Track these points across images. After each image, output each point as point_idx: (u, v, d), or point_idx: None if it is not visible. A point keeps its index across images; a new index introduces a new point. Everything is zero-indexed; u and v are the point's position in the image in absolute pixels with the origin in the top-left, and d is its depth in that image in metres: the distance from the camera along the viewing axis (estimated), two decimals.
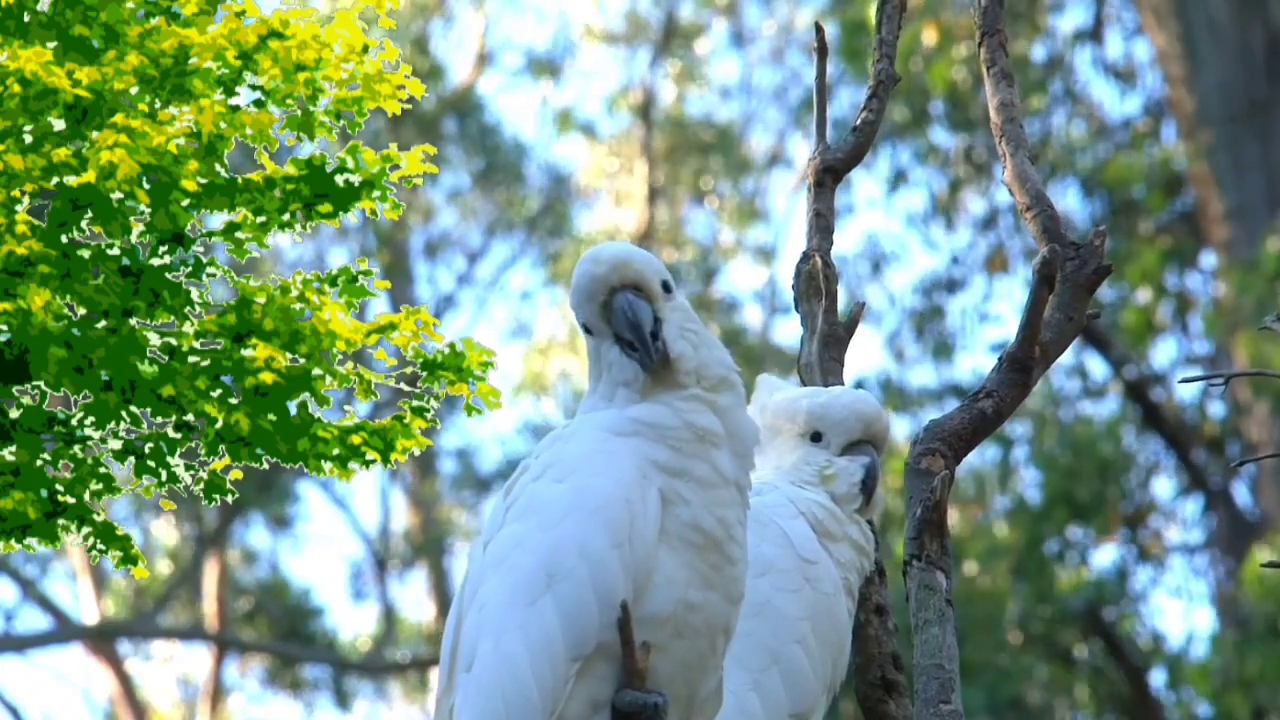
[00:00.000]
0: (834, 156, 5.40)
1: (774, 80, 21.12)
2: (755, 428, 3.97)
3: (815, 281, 5.21)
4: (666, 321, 3.88)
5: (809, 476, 4.43)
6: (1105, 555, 16.61)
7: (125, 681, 21.01)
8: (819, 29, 5.65)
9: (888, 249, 17.90)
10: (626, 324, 3.87)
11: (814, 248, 5.31)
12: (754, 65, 21.35)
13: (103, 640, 20.98)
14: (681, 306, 3.93)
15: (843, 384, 5.14)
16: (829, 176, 5.39)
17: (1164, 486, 17.05)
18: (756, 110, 21.35)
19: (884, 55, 5.47)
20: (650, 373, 3.86)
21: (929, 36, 16.85)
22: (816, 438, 4.46)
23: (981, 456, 16.04)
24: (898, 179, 17.21)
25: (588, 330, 3.95)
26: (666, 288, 3.91)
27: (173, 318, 4.90)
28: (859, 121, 5.45)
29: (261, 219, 4.98)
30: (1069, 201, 17.13)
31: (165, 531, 21.47)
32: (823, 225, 5.36)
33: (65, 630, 21.03)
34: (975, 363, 17.86)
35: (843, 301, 5.30)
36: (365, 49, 5.01)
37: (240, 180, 4.95)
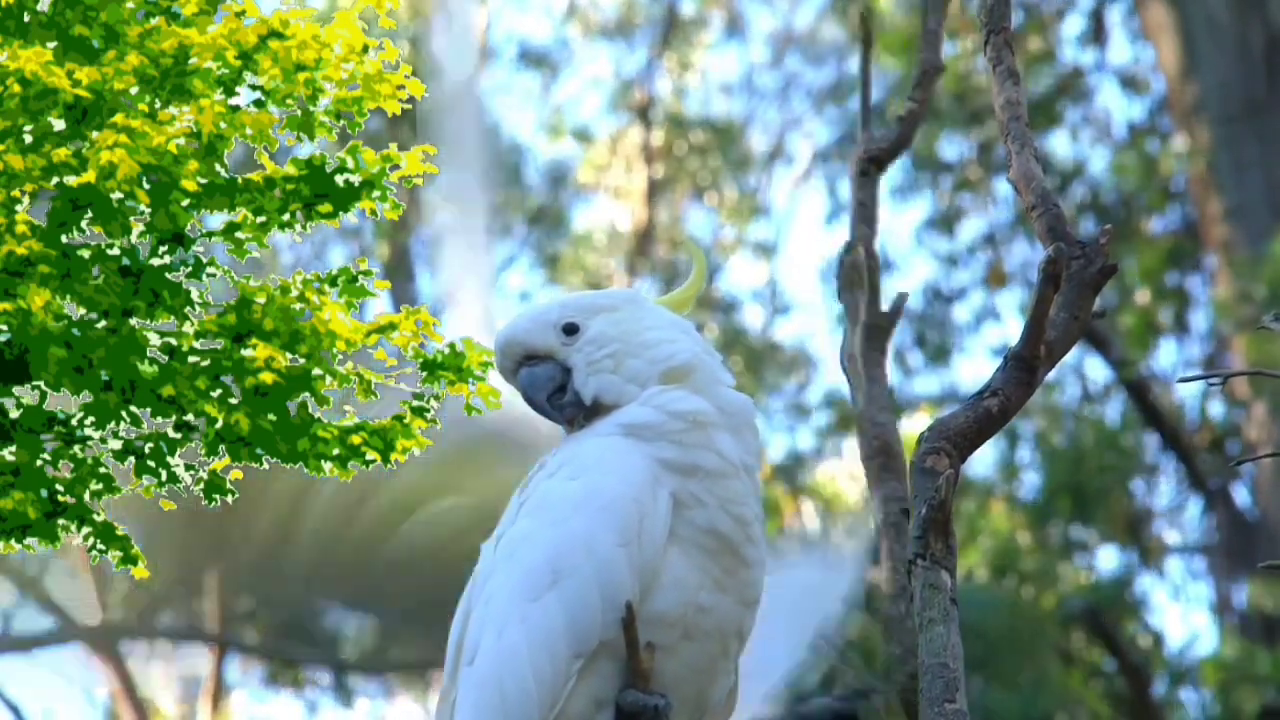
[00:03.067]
0: (877, 146, 5.39)
1: (775, 75, 21.12)
2: (746, 401, 4.00)
3: (859, 272, 5.21)
4: (575, 368, 4.00)
5: None
6: (1107, 557, 16.63)
7: (126, 679, 21.01)
8: (864, 19, 5.64)
9: (890, 256, 17.94)
10: (529, 404, 4.04)
11: (858, 237, 5.30)
12: (755, 60, 21.34)
13: (104, 639, 20.97)
14: (593, 338, 4.01)
15: (886, 375, 5.15)
16: (872, 166, 5.38)
17: (1165, 488, 17.06)
18: (758, 106, 21.35)
19: (929, 45, 5.46)
20: (576, 425, 4.00)
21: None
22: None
23: (985, 461, 16.08)
24: (907, 187, 17.24)
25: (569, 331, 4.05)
26: (569, 329, 4.02)
27: (173, 318, 4.90)
28: (903, 111, 5.44)
29: (261, 219, 4.98)
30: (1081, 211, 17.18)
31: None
32: (866, 215, 5.36)
33: (66, 629, 21.02)
34: (975, 370, 17.88)
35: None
36: (365, 49, 5.01)
37: (240, 180, 4.95)
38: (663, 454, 3.88)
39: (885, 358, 5.10)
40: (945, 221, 17.32)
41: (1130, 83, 17.99)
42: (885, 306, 5.32)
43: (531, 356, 4.02)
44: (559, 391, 3.99)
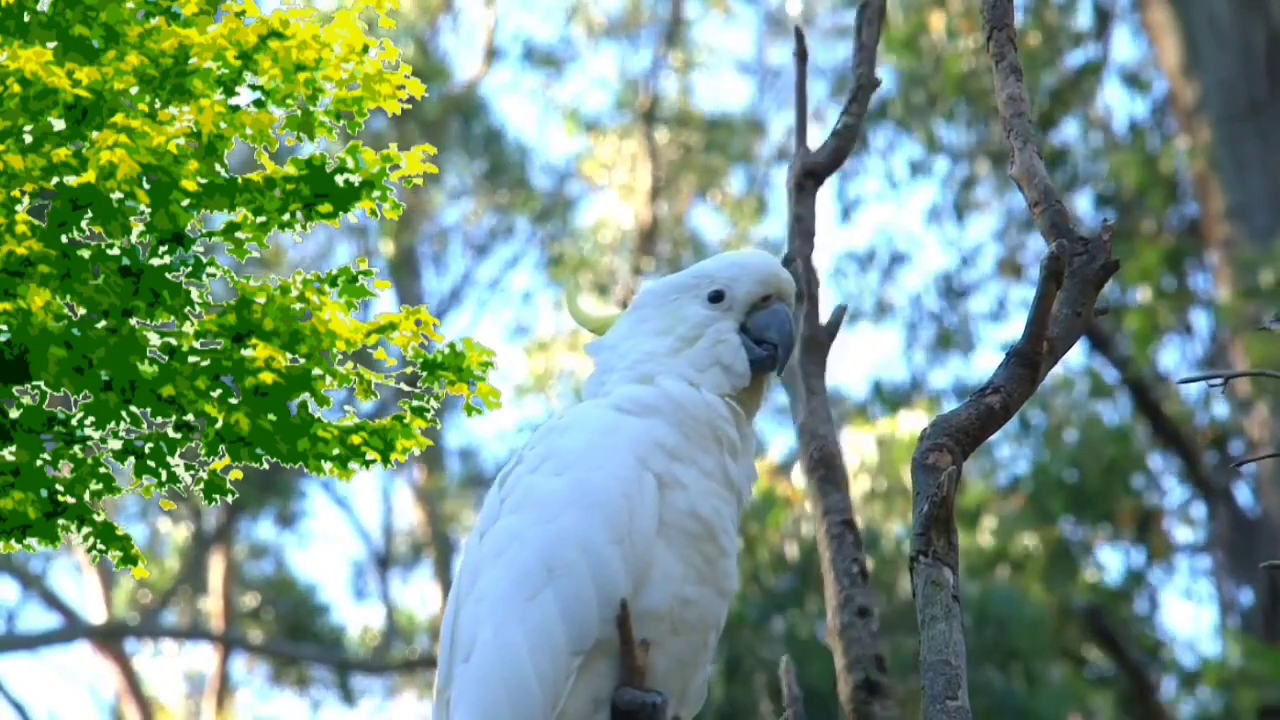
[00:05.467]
0: (814, 160, 5.41)
1: (784, 69, 21.09)
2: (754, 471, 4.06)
3: (797, 286, 5.23)
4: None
5: None
6: (1111, 557, 16.62)
7: (131, 678, 21.04)
8: (799, 35, 5.65)
9: (900, 247, 17.95)
10: (786, 335, 4.06)
11: (795, 251, 5.32)
12: (764, 53, 21.32)
13: (109, 638, 21.00)
14: None
15: (825, 387, 5.16)
16: (809, 180, 5.39)
17: (1169, 487, 17.05)
18: (764, 101, 21.34)
19: (863, 60, 5.47)
20: (763, 377, 4.06)
21: (936, 24, 16.89)
22: None
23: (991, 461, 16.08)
24: (915, 169, 17.26)
25: (715, 299, 4.05)
26: None
27: (173, 318, 4.90)
28: (839, 125, 5.45)
29: (261, 219, 4.98)
30: (1083, 206, 17.20)
31: (174, 529, 21.50)
32: (804, 229, 5.37)
33: (72, 628, 21.05)
34: (987, 363, 17.90)
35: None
36: (365, 49, 5.00)
37: (240, 180, 4.95)
38: (666, 439, 3.90)
39: (824, 370, 5.11)
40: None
41: (1133, 80, 18.00)
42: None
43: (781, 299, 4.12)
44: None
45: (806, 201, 5.32)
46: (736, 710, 13.25)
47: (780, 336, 4.05)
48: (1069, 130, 17.64)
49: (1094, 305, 4.72)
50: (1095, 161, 17.46)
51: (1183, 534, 17.08)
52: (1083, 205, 17.60)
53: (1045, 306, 4.47)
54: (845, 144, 5.42)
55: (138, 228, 4.89)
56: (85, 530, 4.88)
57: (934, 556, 4.18)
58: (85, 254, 4.85)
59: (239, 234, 4.99)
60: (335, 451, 4.94)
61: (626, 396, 3.96)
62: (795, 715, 4.39)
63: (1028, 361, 4.50)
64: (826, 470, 5.13)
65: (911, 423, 15.52)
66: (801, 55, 5.54)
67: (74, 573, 21.73)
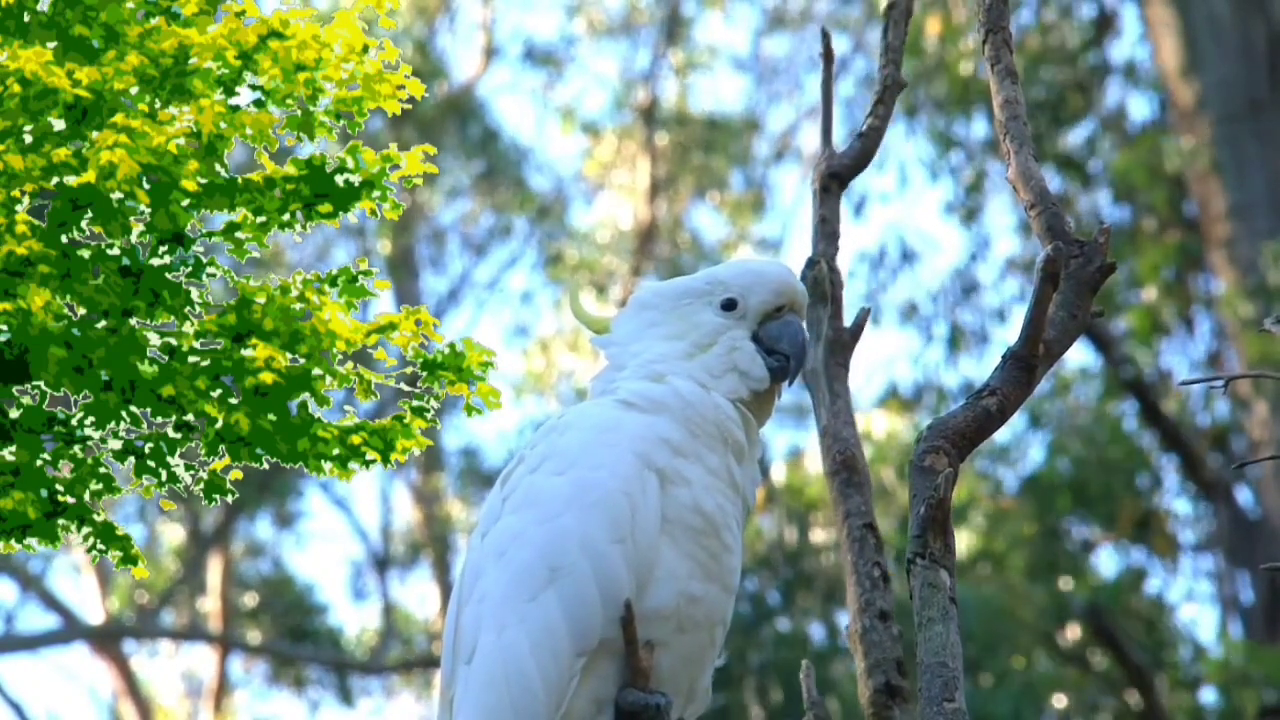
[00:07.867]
0: (839, 162, 5.41)
1: (785, 66, 21.10)
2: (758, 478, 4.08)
3: (821, 287, 5.23)
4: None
5: None
6: (1112, 556, 16.62)
7: (129, 678, 21.04)
8: (825, 35, 5.65)
9: (912, 245, 17.96)
10: (798, 346, 4.08)
11: (819, 253, 5.33)
12: (763, 51, 21.33)
13: (108, 638, 21.00)
14: None
15: (849, 389, 5.17)
16: (834, 182, 5.40)
17: (1167, 486, 17.05)
18: (765, 101, 21.34)
19: (890, 61, 5.48)
20: (773, 387, 4.06)
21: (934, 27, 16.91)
22: None
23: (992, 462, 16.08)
24: (930, 170, 17.28)
25: (728, 307, 4.06)
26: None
27: (173, 318, 4.90)
28: (864, 127, 5.45)
29: (261, 219, 4.98)
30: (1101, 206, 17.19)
31: (173, 529, 21.50)
32: (828, 231, 5.38)
33: (70, 629, 21.04)
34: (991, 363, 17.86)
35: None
36: (365, 49, 5.00)
37: (240, 180, 4.95)
38: (672, 434, 3.89)
39: (847, 372, 5.13)
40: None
41: (1134, 78, 18.01)
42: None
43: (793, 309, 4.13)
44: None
45: (831, 204, 5.34)
46: (727, 715, 13.23)
47: (792, 348, 4.06)
48: (1086, 130, 17.67)
49: (1090, 307, 4.73)
50: (1104, 158, 17.49)
51: (1184, 534, 17.09)
52: (1102, 201, 17.64)
53: (1042, 309, 4.48)
54: (871, 146, 5.43)
55: (138, 228, 4.89)
56: (85, 530, 4.88)
57: (930, 559, 4.19)
58: (85, 254, 4.84)
59: (239, 234, 4.99)
60: (335, 451, 4.94)
61: (636, 392, 3.97)
62: (816, 718, 4.40)
63: (1024, 364, 4.51)
64: (849, 473, 5.14)
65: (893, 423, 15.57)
66: (828, 57, 5.54)
67: (72, 573, 21.73)
